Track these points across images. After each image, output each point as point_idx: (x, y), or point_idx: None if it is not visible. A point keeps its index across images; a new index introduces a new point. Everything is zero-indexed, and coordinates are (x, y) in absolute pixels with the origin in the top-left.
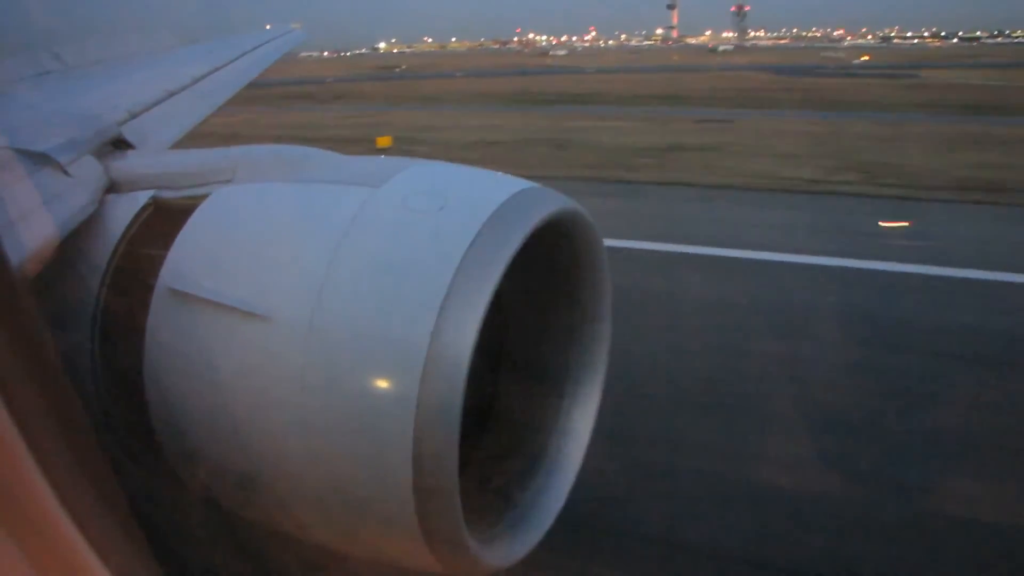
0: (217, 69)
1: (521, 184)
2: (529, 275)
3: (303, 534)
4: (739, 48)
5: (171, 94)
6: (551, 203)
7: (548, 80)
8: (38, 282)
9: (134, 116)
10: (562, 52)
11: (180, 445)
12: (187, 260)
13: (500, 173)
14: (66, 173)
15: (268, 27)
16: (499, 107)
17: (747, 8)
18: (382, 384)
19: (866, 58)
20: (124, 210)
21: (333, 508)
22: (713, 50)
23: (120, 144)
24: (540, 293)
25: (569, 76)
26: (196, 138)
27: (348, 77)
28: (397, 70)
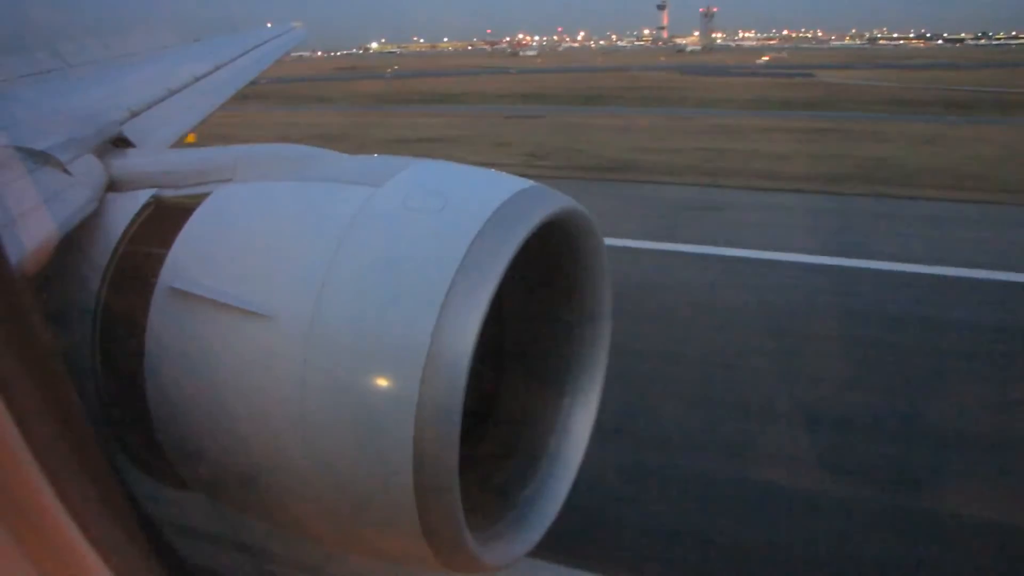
0: (218, 68)
1: (522, 183)
2: (530, 274)
3: (303, 533)
4: (706, 49)
5: (172, 92)
6: (552, 202)
7: (456, 81)
8: (38, 281)
9: (135, 115)
10: (531, 53)
11: (180, 444)
12: (188, 259)
13: (501, 172)
14: (67, 172)
15: (269, 25)
16: (357, 107)
17: (715, 10)
18: (383, 383)
19: (767, 59)
20: (125, 209)
21: (333, 507)
22: (681, 50)
23: (121, 143)
24: (541, 292)
25: (486, 77)
26: (197, 136)
27: (288, 78)
28: (347, 71)
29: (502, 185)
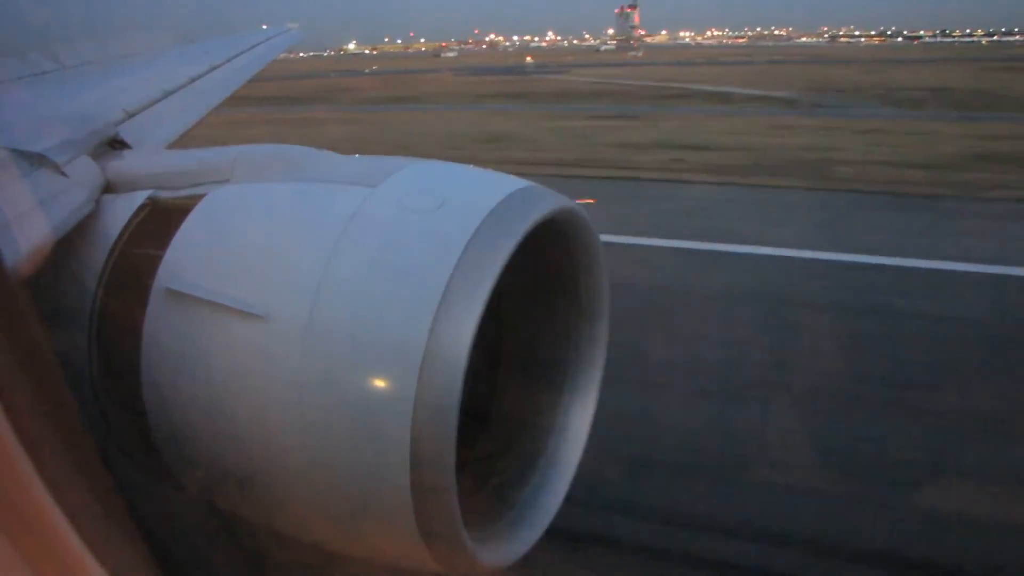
0: (214, 69)
1: (518, 183)
2: (527, 274)
3: (301, 534)
4: (621, 48)
5: (167, 94)
6: (549, 202)
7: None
8: (34, 283)
9: (131, 116)
10: (451, 54)
11: (177, 445)
12: (184, 260)
13: (498, 172)
14: (62, 173)
15: (264, 27)
16: None
17: (629, 9)
18: (379, 383)
19: (530, 60)
20: (121, 210)
21: (331, 508)
22: (597, 50)
23: (117, 144)
24: (538, 292)
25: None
26: (193, 138)
27: None
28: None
29: (499, 185)
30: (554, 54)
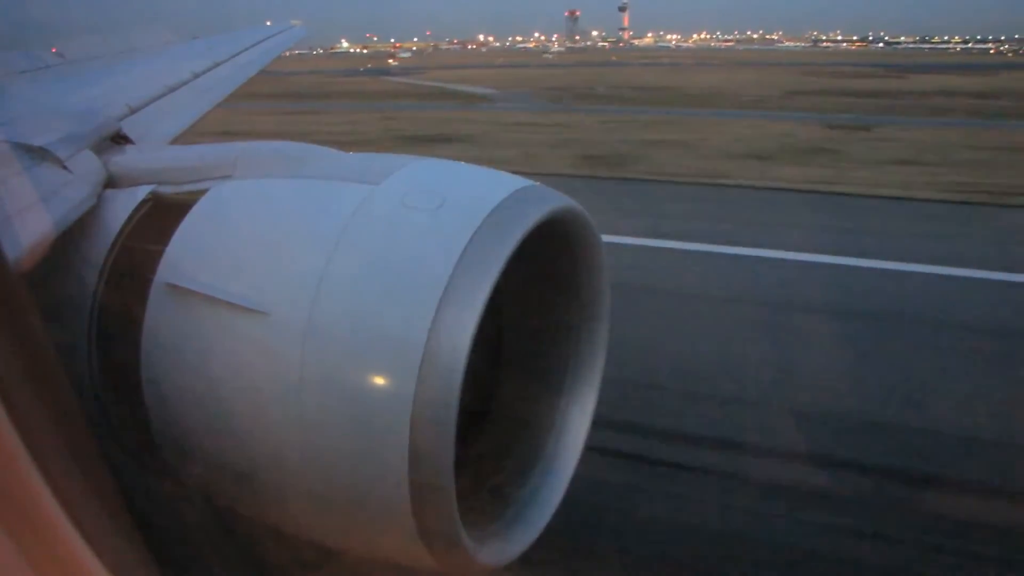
0: (217, 65)
1: (520, 182)
2: (527, 273)
3: (299, 530)
4: (568, 51)
5: (171, 89)
6: (550, 202)
7: None
8: (36, 277)
9: (134, 111)
10: (406, 55)
11: (177, 440)
12: (185, 255)
13: (500, 171)
14: (65, 168)
15: (268, 23)
16: None
17: (578, 13)
18: (379, 381)
19: (392, 62)
20: (122, 205)
21: (329, 505)
22: (546, 51)
23: (119, 139)
24: (538, 291)
25: None
26: (195, 133)
27: None
28: None
29: (500, 184)
30: (489, 55)
